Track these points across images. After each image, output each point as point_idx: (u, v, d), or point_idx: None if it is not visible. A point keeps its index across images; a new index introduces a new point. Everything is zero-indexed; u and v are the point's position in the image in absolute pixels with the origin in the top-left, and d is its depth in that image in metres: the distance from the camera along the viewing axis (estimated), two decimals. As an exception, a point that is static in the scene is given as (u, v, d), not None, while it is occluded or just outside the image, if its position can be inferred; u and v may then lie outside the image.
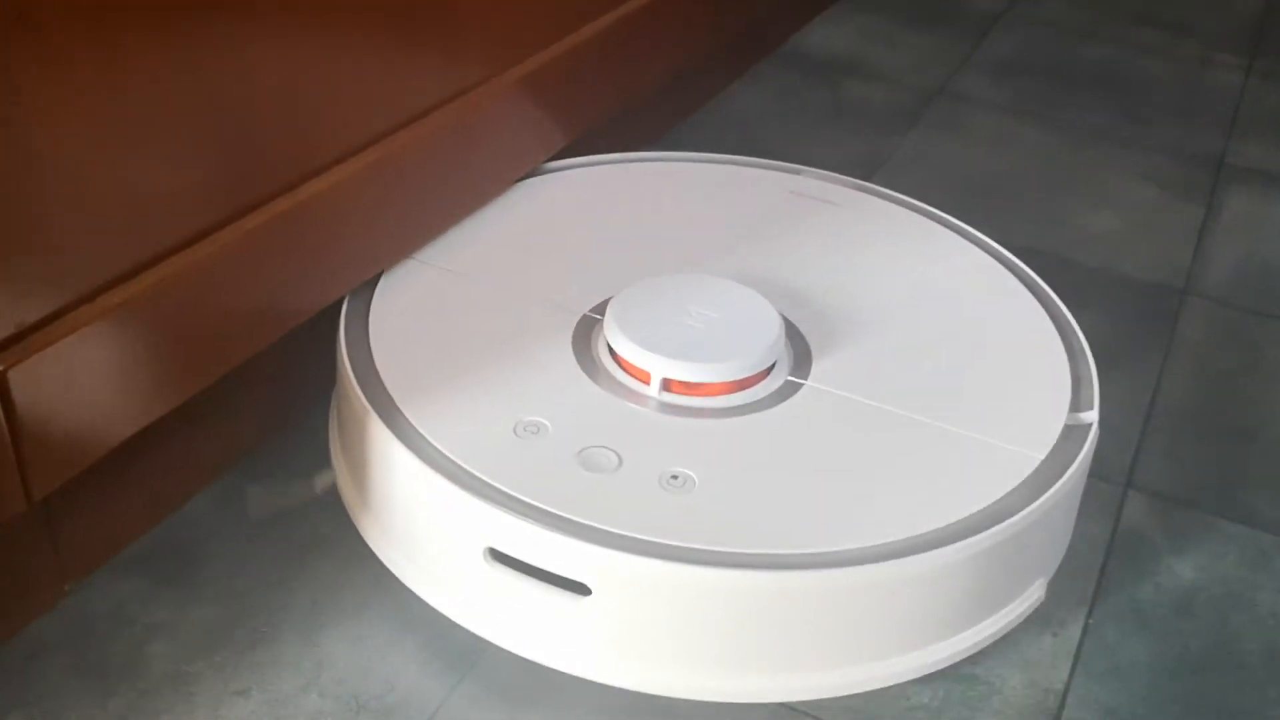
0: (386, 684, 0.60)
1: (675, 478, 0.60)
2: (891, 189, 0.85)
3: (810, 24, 1.33)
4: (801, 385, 0.67)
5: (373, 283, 0.71)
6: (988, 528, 0.59)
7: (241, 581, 0.65)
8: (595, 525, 0.57)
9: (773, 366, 0.67)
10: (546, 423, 0.62)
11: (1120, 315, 0.92)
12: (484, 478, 0.59)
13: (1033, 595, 0.64)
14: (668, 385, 0.65)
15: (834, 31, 1.32)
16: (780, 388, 0.66)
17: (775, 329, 0.67)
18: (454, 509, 0.59)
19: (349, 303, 0.69)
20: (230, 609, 0.63)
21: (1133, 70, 1.29)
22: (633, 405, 0.64)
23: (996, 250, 0.79)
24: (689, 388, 0.65)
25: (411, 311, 0.69)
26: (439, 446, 0.60)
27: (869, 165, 1.07)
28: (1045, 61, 1.29)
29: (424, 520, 0.60)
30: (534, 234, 0.77)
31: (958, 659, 0.62)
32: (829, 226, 0.80)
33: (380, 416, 0.62)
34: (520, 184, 0.81)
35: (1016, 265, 0.78)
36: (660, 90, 1.04)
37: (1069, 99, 1.22)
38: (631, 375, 0.66)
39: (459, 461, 0.60)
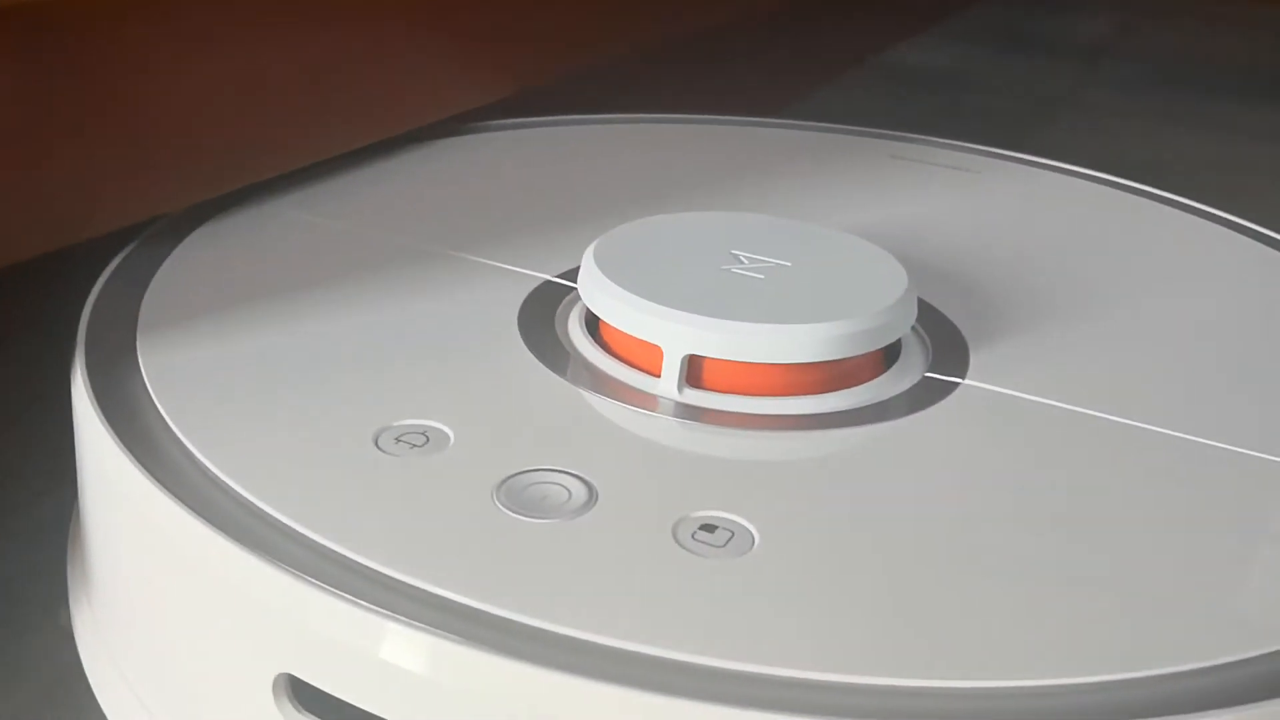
0: None
1: (710, 529, 0.28)
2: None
3: (896, 45, 1.10)
4: (956, 385, 0.35)
5: (187, 223, 0.40)
6: None
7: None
8: (533, 623, 0.24)
9: (897, 351, 0.36)
10: (445, 429, 0.30)
11: None
12: (288, 522, 0.27)
13: None
14: (695, 371, 0.33)
15: (924, 54, 1.10)
16: (914, 387, 0.34)
17: (899, 283, 0.35)
18: (215, 586, 0.26)
19: (145, 237, 0.39)
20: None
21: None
22: (623, 406, 0.32)
23: (1227, 219, 0.48)
24: (734, 375, 0.33)
25: (234, 264, 0.38)
26: (204, 459, 0.28)
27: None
28: (1178, 77, 1.10)
29: (163, 613, 0.28)
30: (488, 189, 0.46)
31: None
32: (964, 193, 0.49)
33: (95, 395, 0.30)
34: (467, 136, 0.51)
35: (1269, 235, 0.47)
36: (711, 77, 0.75)
37: (1220, 107, 1.02)
38: (625, 359, 0.34)
39: (239, 489, 0.27)
